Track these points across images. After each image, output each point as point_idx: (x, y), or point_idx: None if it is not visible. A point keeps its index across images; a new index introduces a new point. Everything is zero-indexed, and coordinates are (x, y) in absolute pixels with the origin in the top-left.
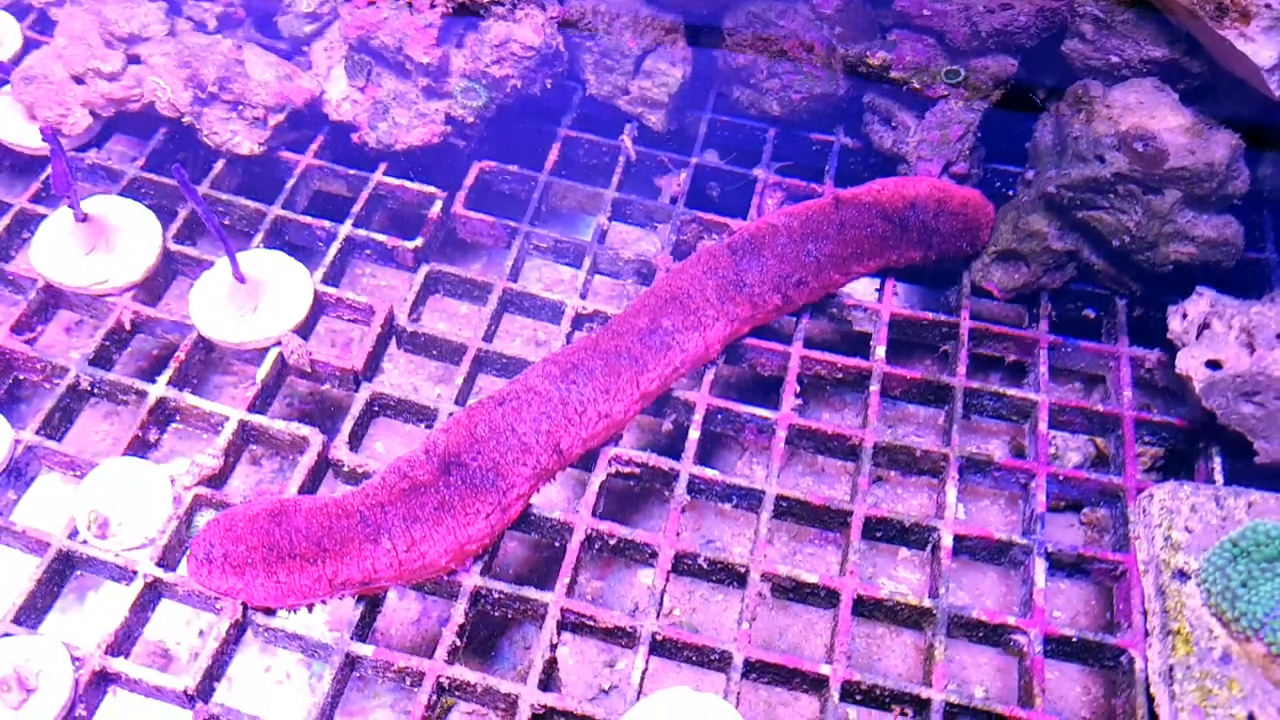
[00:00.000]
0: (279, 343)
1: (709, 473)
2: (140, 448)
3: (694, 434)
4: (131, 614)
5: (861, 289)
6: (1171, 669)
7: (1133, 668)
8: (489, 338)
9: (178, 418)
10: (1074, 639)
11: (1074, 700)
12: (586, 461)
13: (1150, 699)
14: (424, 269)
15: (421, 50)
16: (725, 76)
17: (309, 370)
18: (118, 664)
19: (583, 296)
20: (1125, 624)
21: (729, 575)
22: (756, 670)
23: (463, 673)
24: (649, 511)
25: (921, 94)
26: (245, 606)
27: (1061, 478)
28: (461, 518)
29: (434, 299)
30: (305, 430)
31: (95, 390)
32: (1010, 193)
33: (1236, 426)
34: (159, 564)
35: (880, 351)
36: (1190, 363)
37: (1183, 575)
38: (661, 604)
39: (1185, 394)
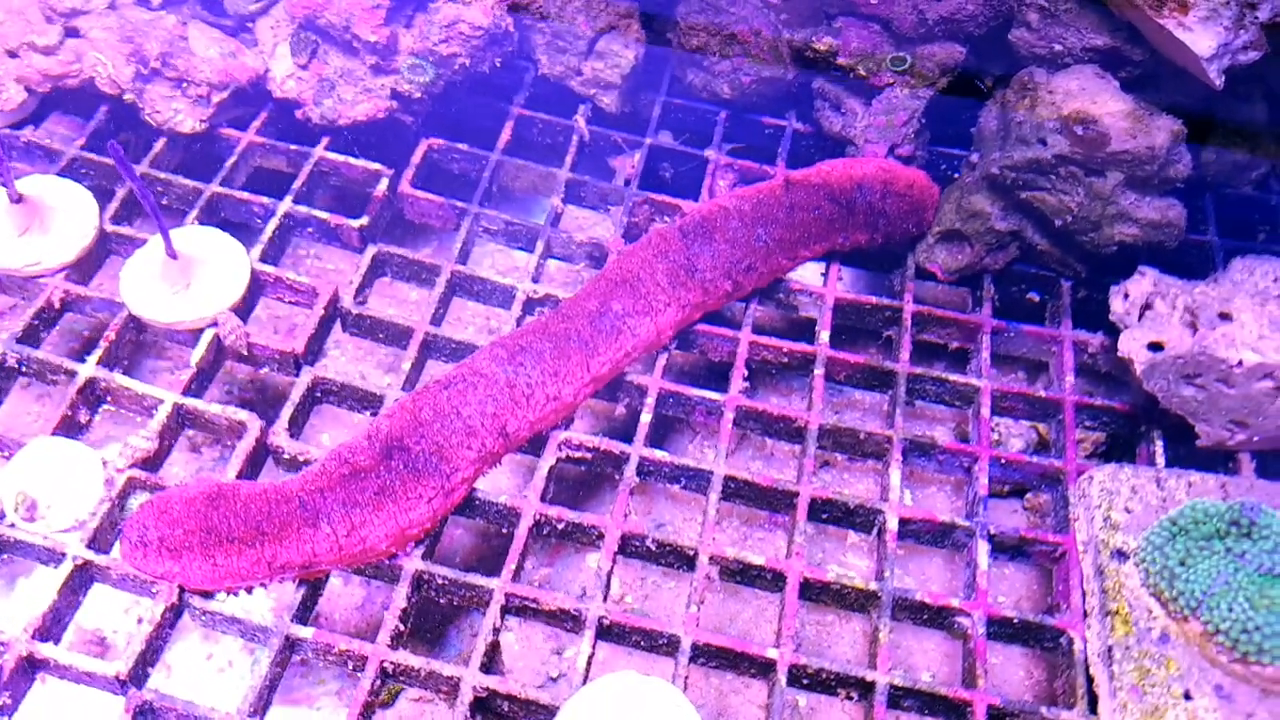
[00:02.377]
0: (214, 323)
1: (658, 454)
2: (71, 429)
3: (646, 417)
4: (60, 597)
5: (808, 274)
6: (1110, 649)
7: (1072, 648)
8: (437, 321)
9: (109, 399)
10: (1015, 621)
11: (1017, 684)
12: (536, 446)
13: (1090, 679)
14: (370, 250)
15: (369, 29)
16: (679, 60)
17: (246, 353)
18: (45, 649)
19: (535, 280)
20: (1064, 605)
21: (678, 558)
22: (705, 655)
23: (406, 657)
24: (601, 498)
25: (868, 81)
26: (181, 589)
27: (1004, 461)
28: (403, 502)
29: (384, 284)
30: (243, 415)
31: (23, 368)
32: (955, 175)
33: (1178, 410)
34: (90, 546)
35: (824, 336)
36: (1132, 345)
37: (1121, 555)
38: (609, 586)
39: (1127, 378)
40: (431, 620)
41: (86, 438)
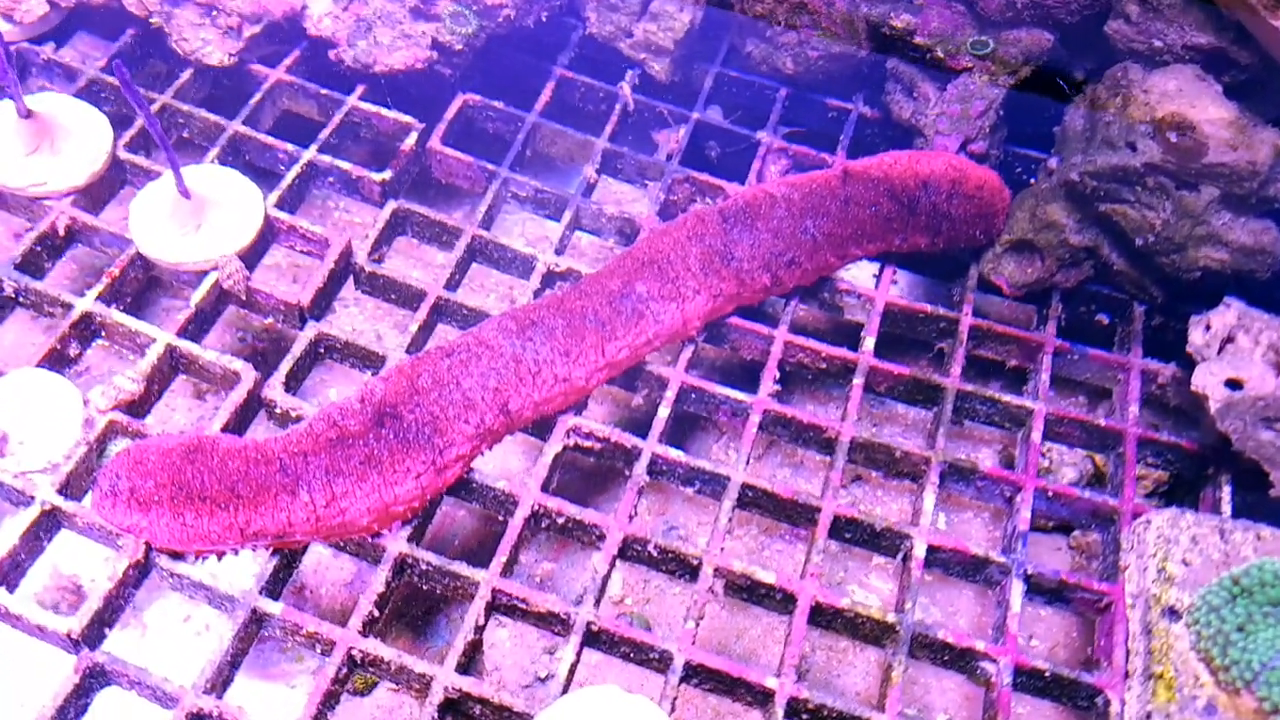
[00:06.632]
0: (217, 266)
1: (673, 453)
2: (58, 362)
3: (664, 411)
4: (22, 542)
5: (859, 275)
6: (1149, 715)
7: (1108, 710)
8: (453, 286)
9: (103, 334)
10: (1046, 673)
11: None
12: (543, 430)
13: None
14: (390, 205)
15: None
16: (739, 27)
17: (244, 298)
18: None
19: (559, 252)
20: (1104, 662)
21: (681, 567)
22: (699, 675)
23: (376, 646)
24: (614, 493)
25: (945, 64)
26: (149, 546)
27: (1051, 494)
28: (389, 475)
29: (407, 244)
30: (238, 364)
31: (20, 298)
32: (1030, 180)
33: (1252, 454)
34: (60, 491)
35: (869, 343)
36: (1208, 379)
37: (1173, 614)
38: (603, 591)
39: (1198, 415)
40: (421, 605)
41: (81, 376)
